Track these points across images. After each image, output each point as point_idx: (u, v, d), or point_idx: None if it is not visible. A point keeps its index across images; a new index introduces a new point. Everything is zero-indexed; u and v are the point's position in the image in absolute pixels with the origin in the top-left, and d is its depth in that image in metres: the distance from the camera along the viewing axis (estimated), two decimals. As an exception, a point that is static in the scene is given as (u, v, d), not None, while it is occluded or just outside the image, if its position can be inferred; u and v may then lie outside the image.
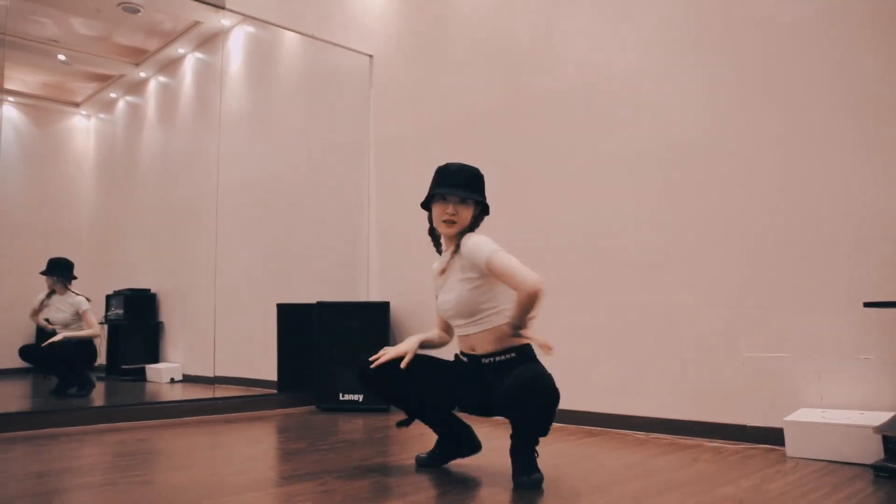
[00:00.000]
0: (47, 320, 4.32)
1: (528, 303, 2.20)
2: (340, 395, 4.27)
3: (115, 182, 5.11)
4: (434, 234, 2.54)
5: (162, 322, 4.90)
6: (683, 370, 3.18)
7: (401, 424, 2.55)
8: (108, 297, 4.79)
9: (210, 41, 4.97)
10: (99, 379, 4.54)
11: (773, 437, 2.84)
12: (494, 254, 2.27)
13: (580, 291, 3.60)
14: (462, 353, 2.49)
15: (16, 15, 4.12)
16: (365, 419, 3.85)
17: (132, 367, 4.83)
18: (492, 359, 2.37)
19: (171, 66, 5.11)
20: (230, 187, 4.71)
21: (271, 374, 4.57)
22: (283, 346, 4.56)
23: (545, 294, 2.20)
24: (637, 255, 3.41)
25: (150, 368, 4.85)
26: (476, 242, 2.34)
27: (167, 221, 5.10)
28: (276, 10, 4.95)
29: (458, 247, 2.41)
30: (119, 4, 4.34)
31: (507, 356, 2.35)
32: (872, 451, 2.41)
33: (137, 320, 4.83)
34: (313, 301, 4.46)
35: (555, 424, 2.63)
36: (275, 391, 4.50)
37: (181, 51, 5.03)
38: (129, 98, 5.09)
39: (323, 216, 5.05)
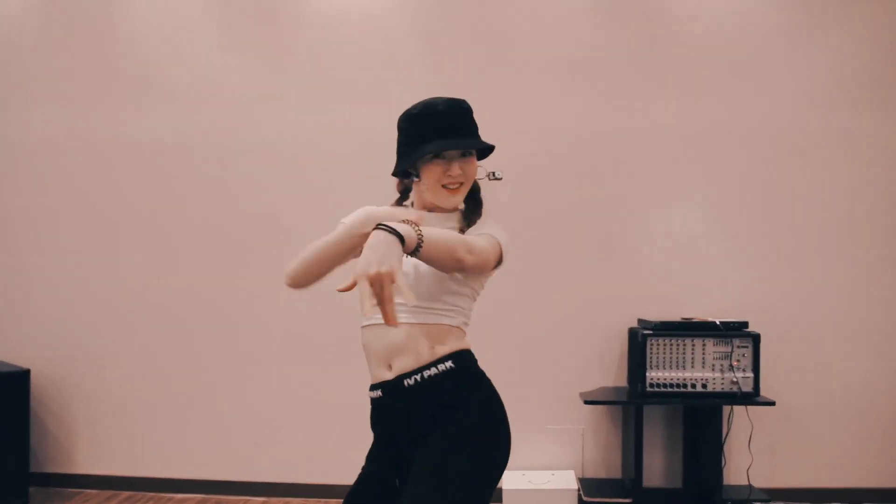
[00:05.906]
0: None
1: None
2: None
3: None
4: (400, 201, 1.83)
5: None
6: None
7: None
8: None
9: None
10: None
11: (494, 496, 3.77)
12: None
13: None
14: (372, 384, 1.68)
15: None
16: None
17: None
18: (419, 376, 1.60)
19: None
20: None
21: None
22: None
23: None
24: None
25: None
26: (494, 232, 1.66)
27: None
28: None
29: (464, 214, 1.77)
30: None
31: (443, 366, 1.61)
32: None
33: None
34: None
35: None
36: None
37: None
38: None
39: None
